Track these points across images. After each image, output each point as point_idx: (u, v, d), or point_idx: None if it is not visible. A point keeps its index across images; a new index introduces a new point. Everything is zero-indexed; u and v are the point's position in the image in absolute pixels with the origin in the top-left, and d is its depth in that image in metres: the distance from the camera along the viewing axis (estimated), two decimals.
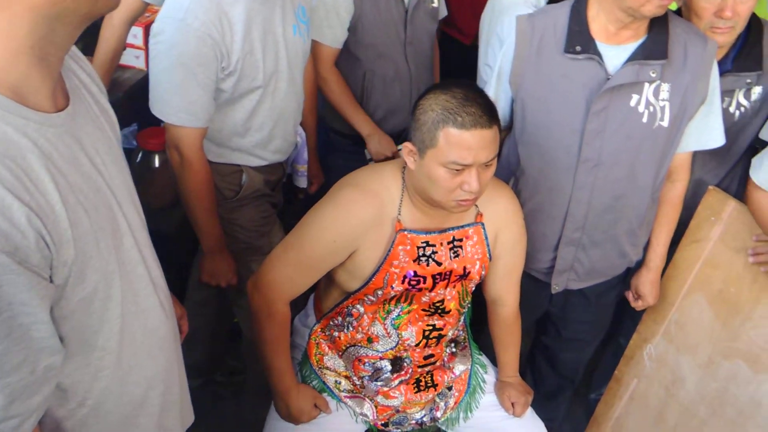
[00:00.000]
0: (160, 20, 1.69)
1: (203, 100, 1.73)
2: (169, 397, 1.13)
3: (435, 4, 2.38)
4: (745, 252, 1.79)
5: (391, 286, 1.54)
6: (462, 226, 1.58)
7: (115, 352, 0.97)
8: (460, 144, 1.36)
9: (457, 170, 1.39)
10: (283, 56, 1.86)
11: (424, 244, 1.53)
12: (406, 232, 1.51)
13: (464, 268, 1.59)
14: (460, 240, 1.58)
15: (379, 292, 1.56)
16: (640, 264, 1.95)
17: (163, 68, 1.70)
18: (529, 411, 1.81)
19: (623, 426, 2.13)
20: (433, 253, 1.54)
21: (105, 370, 0.97)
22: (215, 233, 1.89)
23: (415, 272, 1.54)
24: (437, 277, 1.56)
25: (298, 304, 1.87)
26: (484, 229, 1.60)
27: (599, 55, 1.62)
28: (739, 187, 1.92)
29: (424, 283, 1.55)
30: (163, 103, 1.73)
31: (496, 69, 1.80)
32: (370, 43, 2.26)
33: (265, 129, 1.89)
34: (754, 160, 1.73)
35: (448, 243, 1.57)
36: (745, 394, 1.83)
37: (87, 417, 0.98)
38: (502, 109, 1.81)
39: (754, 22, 1.85)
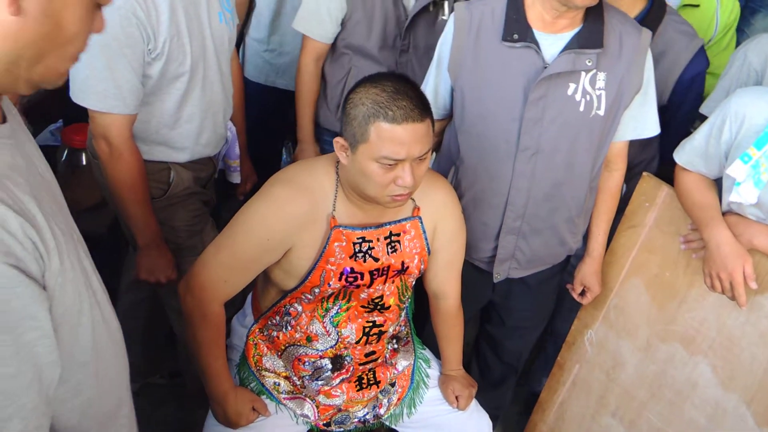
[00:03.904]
0: None
1: (131, 83, 1.63)
2: (131, 406, 1.09)
3: (445, 17, 2.24)
4: (679, 236, 1.82)
5: (328, 284, 1.50)
6: (399, 221, 1.55)
7: (90, 364, 0.92)
8: (392, 139, 1.33)
9: (390, 165, 1.36)
10: (209, 43, 1.78)
11: (360, 240, 1.50)
12: (341, 228, 1.48)
13: (402, 263, 1.57)
14: (398, 235, 1.55)
15: (317, 290, 1.52)
16: (579, 252, 1.96)
17: (85, 51, 1.59)
18: (474, 403, 1.80)
19: (567, 410, 2.15)
20: (370, 248, 1.51)
21: (85, 383, 0.92)
22: (151, 226, 1.81)
23: (351, 269, 1.50)
24: (375, 273, 1.53)
25: (235, 304, 1.82)
26: (421, 222, 1.58)
27: (536, 43, 1.61)
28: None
29: (362, 279, 1.52)
30: (88, 90, 1.61)
31: (436, 57, 1.78)
32: (357, 45, 2.19)
33: (195, 120, 1.81)
34: (681, 144, 1.76)
35: (385, 238, 1.54)
36: (682, 375, 1.86)
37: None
38: (443, 97, 1.80)
39: None
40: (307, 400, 1.68)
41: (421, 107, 1.35)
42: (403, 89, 1.35)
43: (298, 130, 2.35)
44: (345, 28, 2.17)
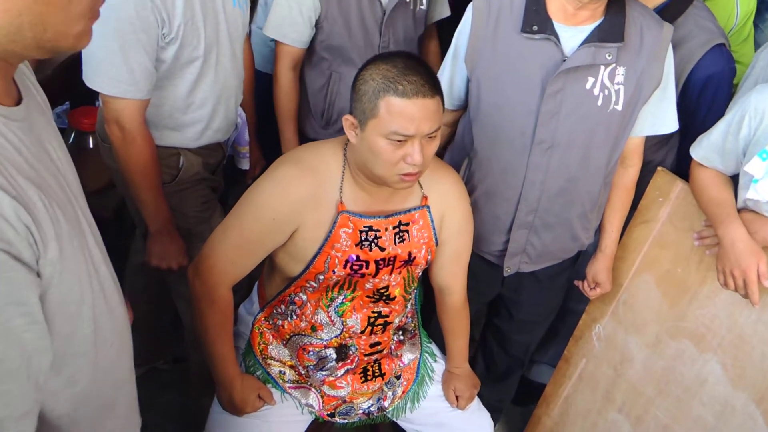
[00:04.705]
0: None
1: (144, 68, 1.61)
2: (131, 399, 1.09)
3: (423, 6, 2.21)
4: (693, 232, 1.80)
5: (333, 271, 1.48)
6: (408, 210, 1.53)
7: (89, 354, 0.91)
8: (401, 113, 1.31)
9: (399, 141, 1.34)
10: (223, 28, 1.76)
11: (367, 228, 1.48)
12: (348, 214, 1.46)
13: (409, 254, 1.55)
14: (407, 224, 1.53)
15: (321, 277, 1.50)
16: (590, 248, 1.93)
17: (99, 35, 1.55)
18: (476, 403, 1.79)
19: (572, 405, 2.14)
20: (377, 238, 1.49)
21: (81, 374, 0.91)
22: (163, 212, 1.80)
23: (357, 257, 1.48)
24: (380, 262, 1.51)
25: (242, 292, 1.81)
26: (429, 212, 1.56)
27: (556, 35, 1.58)
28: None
29: (367, 268, 1.50)
30: (101, 74, 1.59)
31: (452, 48, 1.75)
32: (336, 45, 2.11)
33: (208, 105, 1.80)
34: (698, 139, 1.73)
35: (394, 228, 1.52)
36: (690, 373, 1.85)
37: (60, 423, 0.92)
38: (458, 88, 1.78)
39: None
40: (312, 389, 1.67)
41: (431, 83, 1.34)
42: (414, 66, 1.34)
43: (282, 145, 2.22)
44: (322, 29, 2.09)
